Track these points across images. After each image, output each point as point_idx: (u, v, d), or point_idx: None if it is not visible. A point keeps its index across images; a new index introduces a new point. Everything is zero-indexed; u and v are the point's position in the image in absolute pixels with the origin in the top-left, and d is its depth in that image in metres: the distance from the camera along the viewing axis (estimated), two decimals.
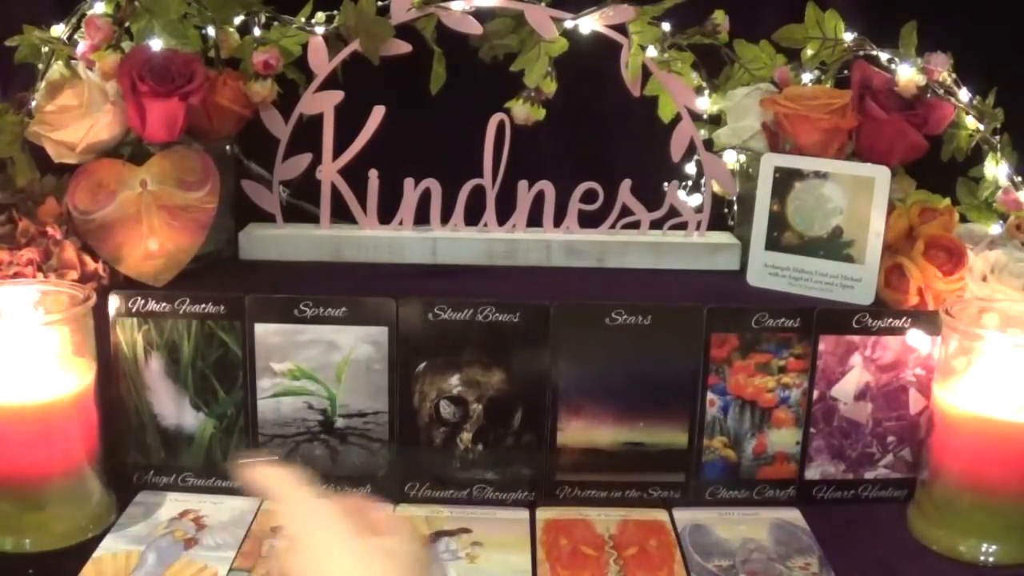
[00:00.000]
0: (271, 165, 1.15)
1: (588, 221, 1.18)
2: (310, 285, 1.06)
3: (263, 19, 1.13)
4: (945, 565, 0.95)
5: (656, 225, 1.18)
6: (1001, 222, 1.15)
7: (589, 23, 1.12)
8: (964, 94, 1.14)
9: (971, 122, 1.14)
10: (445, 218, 1.16)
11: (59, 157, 1.06)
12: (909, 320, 1.01)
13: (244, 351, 1.00)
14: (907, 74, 1.10)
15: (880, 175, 1.06)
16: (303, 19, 1.13)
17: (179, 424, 1.01)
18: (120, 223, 1.05)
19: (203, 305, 0.99)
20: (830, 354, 1.02)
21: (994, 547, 0.95)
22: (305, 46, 1.12)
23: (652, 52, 1.13)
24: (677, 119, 1.16)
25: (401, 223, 1.16)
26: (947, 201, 1.15)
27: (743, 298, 1.09)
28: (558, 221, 1.17)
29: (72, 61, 1.06)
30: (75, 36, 1.08)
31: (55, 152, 1.06)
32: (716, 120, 1.20)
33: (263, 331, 0.99)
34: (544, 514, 1.01)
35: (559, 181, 1.16)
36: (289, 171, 1.15)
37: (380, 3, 1.11)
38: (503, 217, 1.17)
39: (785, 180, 1.10)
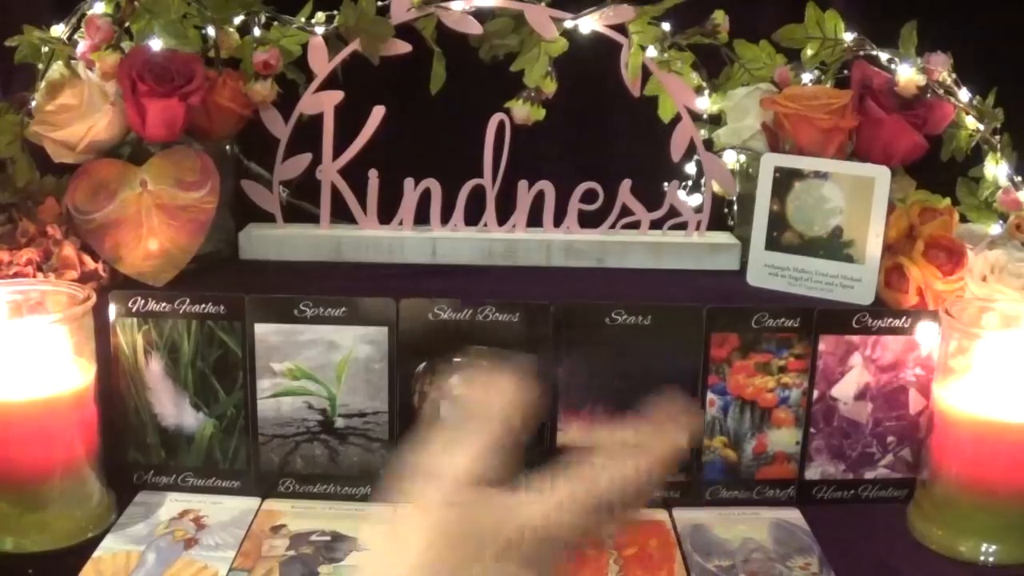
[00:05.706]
0: (271, 165, 1.15)
1: (588, 221, 1.17)
2: (310, 285, 1.06)
3: (263, 19, 1.13)
4: (945, 565, 0.95)
5: (656, 225, 1.18)
6: (1001, 222, 1.14)
7: (589, 23, 1.12)
8: (964, 94, 1.13)
9: (971, 122, 1.14)
10: (445, 218, 1.16)
11: (59, 157, 1.06)
12: (909, 320, 1.01)
13: (244, 351, 1.00)
14: (907, 74, 1.10)
15: (880, 175, 1.06)
16: (303, 19, 1.13)
17: (179, 424, 1.01)
18: (120, 223, 1.05)
19: (203, 305, 0.99)
20: (830, 354, 1.02)
21: (994, 547, 0.95)
22: (305, 46, 1.12)
23: (652, 52, 1.13)
24: (677, 119, 1.16)
25: (401, 223, 1.16)
26: (947, 201, 1.14)
27: (743, 298, 1.09)
28: (558, 221, 1.17)
29: (72, 61, 1.06)
30: (75, 36, 1.08)
31: (55, 152, 1.06)
32: (716, 120, 1.20)
33: (263, 331, 0.99)
34: None
35: (559, 181, 1.16)
36: (289, 171, 1.15)
37: (380, 3, 1.11)
38: (503, 217, 1.16)
39: (785, 180, 1.10)
